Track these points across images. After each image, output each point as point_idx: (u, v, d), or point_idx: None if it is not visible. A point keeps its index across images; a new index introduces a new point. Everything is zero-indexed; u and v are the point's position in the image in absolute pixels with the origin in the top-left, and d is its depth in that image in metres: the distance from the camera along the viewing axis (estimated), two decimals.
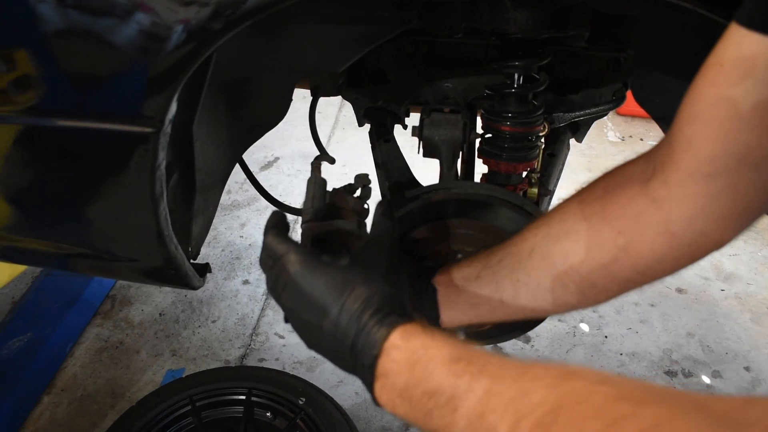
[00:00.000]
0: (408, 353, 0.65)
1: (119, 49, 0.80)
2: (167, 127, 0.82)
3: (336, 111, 3.75)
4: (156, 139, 0.82)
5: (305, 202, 0.90)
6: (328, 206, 0.92)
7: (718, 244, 0.75)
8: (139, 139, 0.83)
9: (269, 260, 0.78)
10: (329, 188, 0.95)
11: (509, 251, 0.90)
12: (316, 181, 0.92)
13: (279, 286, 0.76)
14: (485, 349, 0.63)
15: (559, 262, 0.83)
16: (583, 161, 3.36)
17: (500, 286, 0.90)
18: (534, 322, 1.15)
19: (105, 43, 0.81)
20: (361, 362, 0.68)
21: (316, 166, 0.96)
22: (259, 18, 0.77)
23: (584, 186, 0.86)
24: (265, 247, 0.80)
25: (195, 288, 1.10)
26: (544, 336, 2.36)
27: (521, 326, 1.18)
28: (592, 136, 3.65)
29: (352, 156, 2.64)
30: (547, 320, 2.35)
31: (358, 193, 0.98)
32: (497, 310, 0.92)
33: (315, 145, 1.37)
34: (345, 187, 0.97)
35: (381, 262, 0.80)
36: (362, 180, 0.98)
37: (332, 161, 1.12)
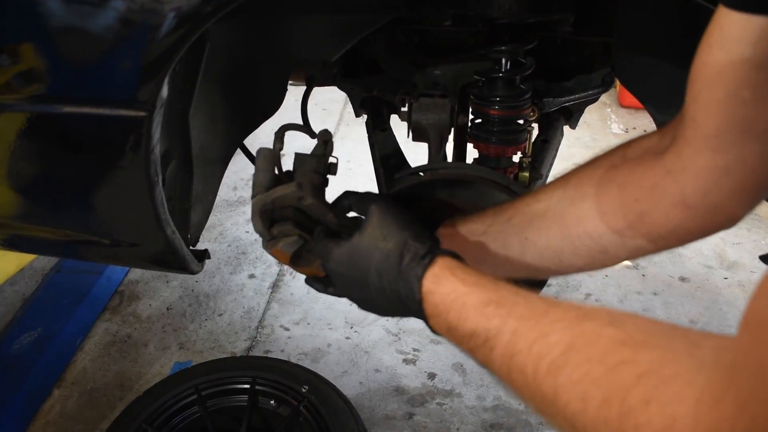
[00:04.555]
0: (442, 297, 0.72)
1: (113, 37, 0.84)
2: (159, 110, 0.86)
3: (341, 107, 3.77)
4: (149, 122, 0.85)
5: (253, 176, 0.91)
6: (286, 174, 0.92)
7: (731, 219, 0.76)
8: (134, 123, 0.86)
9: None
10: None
11: (520, 210, 0.91)
12: (261, 153, 0.92)
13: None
14: (511, 287, 0.69)
15: (573, 225, 0.84)
16: (587, 153, 3.32)
17: (507, 243, 0.91)
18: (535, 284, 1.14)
19: (100, 32, 0.84)
20: (412, 308, 0.76)
21: (279, 136, 0.95)
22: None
23: (601, 153, 0.87)
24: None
25: (194, 272, 1.13)
26: None
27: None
28: (596, 128, 3.66)
29: (357, 152, 2.66)
30: None
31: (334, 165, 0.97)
32: (500, 267, 0.93)
33: (305, 131, 1.39)
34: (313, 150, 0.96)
35: (385, 218, 0.85)
36: (323, 135, 0.97)
37: (312, 135, 1.10)
